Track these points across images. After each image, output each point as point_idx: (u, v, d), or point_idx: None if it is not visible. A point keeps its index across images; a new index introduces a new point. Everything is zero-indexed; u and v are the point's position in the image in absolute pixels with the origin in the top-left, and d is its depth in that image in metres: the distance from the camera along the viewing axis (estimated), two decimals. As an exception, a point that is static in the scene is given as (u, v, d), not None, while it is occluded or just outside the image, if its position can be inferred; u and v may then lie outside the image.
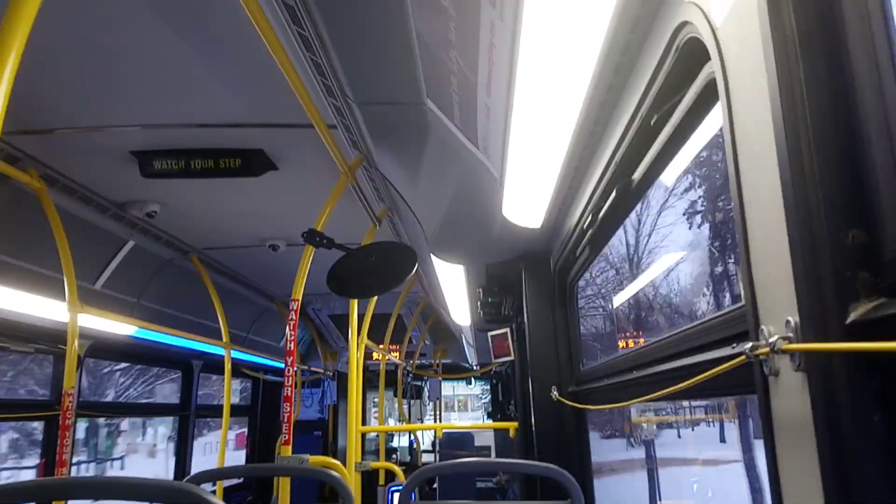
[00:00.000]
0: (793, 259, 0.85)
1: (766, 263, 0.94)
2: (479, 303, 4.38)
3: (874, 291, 0.80)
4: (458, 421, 13.48)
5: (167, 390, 13.04)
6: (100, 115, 2.67)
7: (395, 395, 9.21)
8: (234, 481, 7.33)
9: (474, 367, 10.68)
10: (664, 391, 1.46)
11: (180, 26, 2.06)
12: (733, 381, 1.17)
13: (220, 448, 5.31)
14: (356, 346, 4.11)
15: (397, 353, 8.24)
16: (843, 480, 0.79)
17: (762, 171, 0.92)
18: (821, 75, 0.85)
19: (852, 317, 0.79)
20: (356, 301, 3.95)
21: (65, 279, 3.27)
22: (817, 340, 0.81)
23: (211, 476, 2.52)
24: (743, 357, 0.96)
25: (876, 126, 0.81)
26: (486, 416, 13.04)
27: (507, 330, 4.62)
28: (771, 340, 0.88)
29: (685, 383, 1.26)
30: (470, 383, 13.24)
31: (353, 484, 3.85)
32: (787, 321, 0.86)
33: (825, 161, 0.83)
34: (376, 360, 7.97)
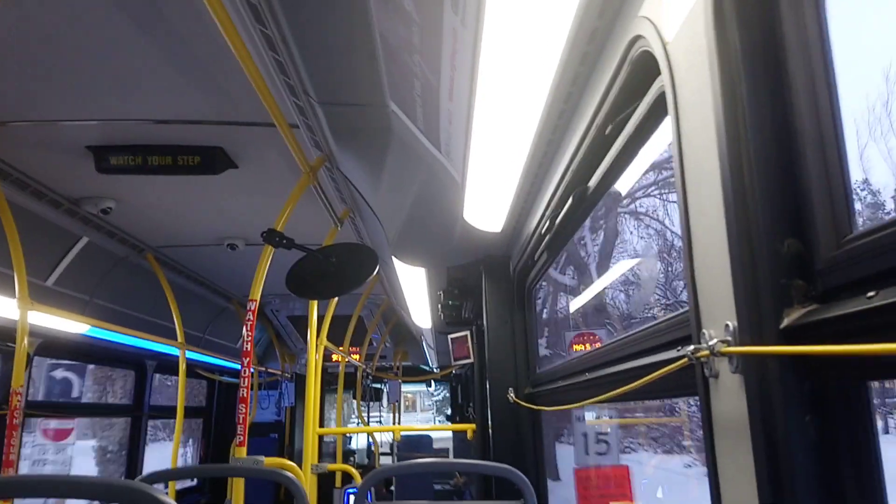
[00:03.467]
0: (732, 266, 0.90)
1: (708, 270, 0.98)
2: (439, 305, 4.40)
3: (807, 298, 0.84)
4: (405, 422, 13.22)
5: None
6: (55, 109, 2.60)
7: (354, 398, 9.16)
8: (188, 484, 7.20)
9: (434, 370, 10.70)
10: (614, 392, 1.50)
11: (140, 19, 2.03)
12: (679, 383, 1.21)
13: (174, 450, 5.21)
14: (315, 347, 4.09)
15: (357, 356, 8.20)
16: (776, 478, 0.83)
17: (706, 183, 0.97)
18: (762, 92, 0.90)
19: (786, 322, 0.84)
20: (315, 302, 3.92)
21: (15, 275, 3.18)
22: (753, 344, 0.86)
23: (163, 476, 2.48)
24: (686, 359, 1.00)
25: (811, 141, 0.86)
26: (438, 417, 12.94)
27: (467, 333, 4.66)
28: (711, 343, 0.93)
29: (633, 384, 1.30)
30: (430, 386, 13.19)
31: (309, 486, 3.82)
32: (727, 325, 0.90)
33: (764, 174, 0.87)
34: (335, 361, 7.92)
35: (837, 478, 0.82)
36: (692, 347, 0.98)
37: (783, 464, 0.82)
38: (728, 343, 0.90)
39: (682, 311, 1.29)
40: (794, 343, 0.82)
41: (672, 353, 1.28)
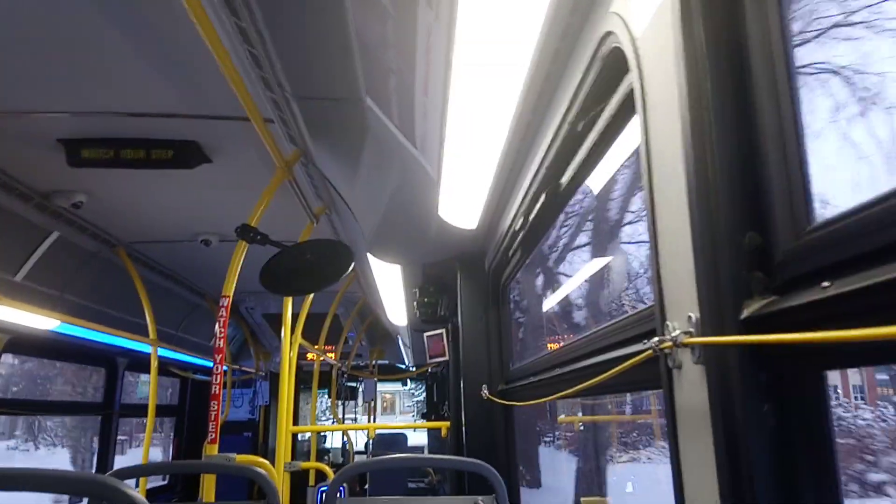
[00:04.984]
0: (695, 259, 0.91)
1: (672, 263, 1.00)
2: (415, 303, 4.40)
3: (766, 290, 0.86)
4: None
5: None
6: (26, 100, 2.55)
7: (329, 397, 9.11)
8: (159, 483, 7.11)
9: (410, 368, 10.70)
10: (581, 385, 1.52)
11: (113, 11, 2.00)
12: (645, 376, 1.23)
13: (144, 448, 5.14)
14: (289, 345, 4.06)
15: (332, 354, 8.16)
16: (735, 465, 0.85)
17: (671, 178, 0.98)
18: (726, 89, 0.92)
19: (746, 313, 0.86)
20: (290, 299, 3.90)
21: None
22: (715, 335, 0.87)
23: (134, 472, 2.45)
24: (650, 351, 1.02)
25: (772, 139, 0.88)
26: (418, 420, 12.88)
27: (443, 331, 4.66)
28: (674, 335, 0.94)
29: (599, 377, 1.32)
30: (405, 384, 13.14)
31: (282, 483, 3.80)
32: (689, 317, 0.92)
33: (727, 169, 0.89)
34: (310, 360, 7.87)
35: (794, 465, 0.84)
36: (656, 339, 1.00)
37: (742, 451, 0.84)
38: (690, 334, 0.92)
39: (649, 304, 1.31)
40: (753, 333, 0.84)
41: (638, 346, 1.30)
